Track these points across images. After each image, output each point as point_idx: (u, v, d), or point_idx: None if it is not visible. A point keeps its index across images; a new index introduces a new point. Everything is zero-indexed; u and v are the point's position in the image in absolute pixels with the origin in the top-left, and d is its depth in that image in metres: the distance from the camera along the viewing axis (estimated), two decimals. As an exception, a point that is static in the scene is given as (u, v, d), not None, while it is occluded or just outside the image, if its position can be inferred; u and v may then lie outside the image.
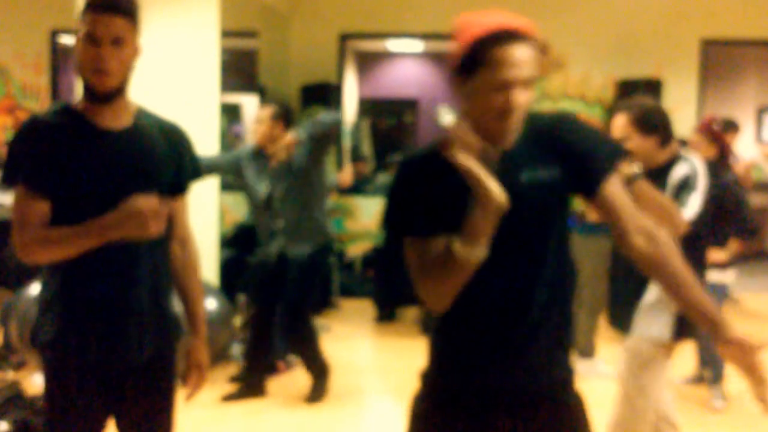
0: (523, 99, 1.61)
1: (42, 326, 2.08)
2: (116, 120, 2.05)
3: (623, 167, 2.72)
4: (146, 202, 1.91)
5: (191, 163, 2.22)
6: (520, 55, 1.60)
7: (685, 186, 2.79)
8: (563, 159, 1.70)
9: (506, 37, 1.60)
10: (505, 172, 1.64)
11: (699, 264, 4.28)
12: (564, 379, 1.80)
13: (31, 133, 2.00)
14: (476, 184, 1.56)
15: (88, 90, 1.99)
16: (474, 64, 1.61)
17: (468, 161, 1.55)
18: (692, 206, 2.76)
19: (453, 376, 1.77)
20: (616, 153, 1.79)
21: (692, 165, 2.84)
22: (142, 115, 2.12)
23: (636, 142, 2.80)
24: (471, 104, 1.65)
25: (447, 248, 1.61)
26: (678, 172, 2.82)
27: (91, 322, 2.05)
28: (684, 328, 2.86)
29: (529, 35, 1.63)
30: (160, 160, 2.10)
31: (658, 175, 2.83)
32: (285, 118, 4.35)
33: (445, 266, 1.62)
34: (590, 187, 1.72)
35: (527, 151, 1.69)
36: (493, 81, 1.59)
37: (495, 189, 1.55)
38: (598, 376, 4.62)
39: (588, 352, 4.99)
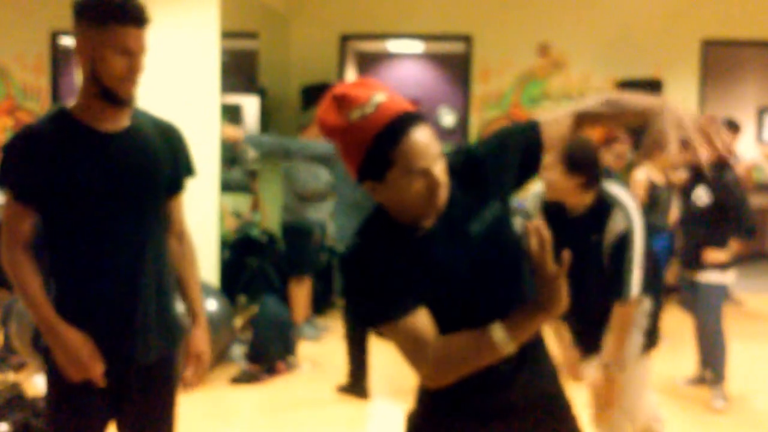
0: (441, 170, 1.55)
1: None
2: (115, 122, 2.06)
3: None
4: (93, 363, 2.00)
5: (186, 161, 2.25)
6: (423, 138, 1.51)
7: (623, 247, 2.63)
8: (502, 178, 1.70)
9: (400, 128, 1.50)
10: (453, 232, 1.63)
11: (697, 264, 4.32)
12: (554, 373, 1.82)
13: (24, 143, 2.01)
14: (552, 287, 1.49)
15: (109, 95, 2.01)
16: (380, 167, 1.52)
17: (551, 265, 1.48)
18: (635, 284, 2.65)
19: (456, 393, 1.71)
20: (528, 124, 1.78)
21: (627, 215, 2.67)
22: (137, 114, 2.13)
23: (557, 176, 2.66)
24: (392, 198, 1.57)
25: (484, 335, 1.54)
26: (616, 225, 2.65)
27: (96, 325, 2.05)
28: (653, 338, 2.88)
29: (411, 109, 1.54)
30: (158, 158, 2.12)
31: (585, 222, 2.70)
32: None
33: (474, 351, 1.56)
34: (537, 159, 1.75)
35: (462, 200, 1.64)
36: (409, 174, 1.51)
37: (565, 296, 1.50)
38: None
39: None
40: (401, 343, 1.60)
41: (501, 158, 1.72)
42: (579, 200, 2.71)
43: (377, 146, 1.50)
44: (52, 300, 2.06)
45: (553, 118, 1.80)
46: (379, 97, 1.52)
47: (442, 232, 1.62)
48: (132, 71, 1.99)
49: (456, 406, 1.73)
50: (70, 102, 2.08)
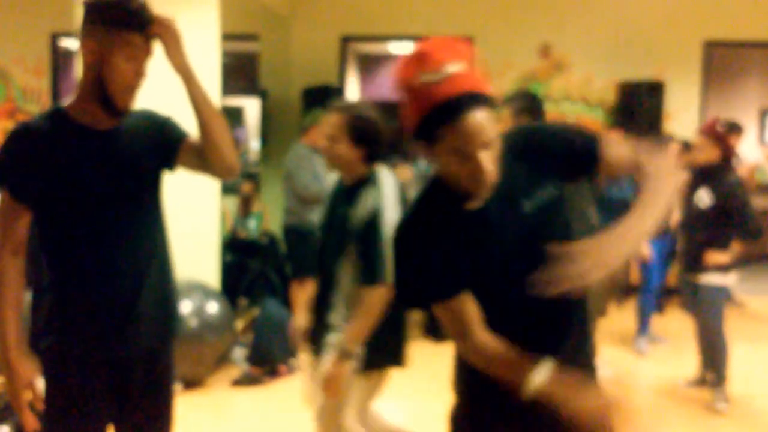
0: (489, 159, 1.53)
1: (43, 330, 2.08)
2: (110, 123, 2.06)
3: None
4: (25, 406, 2.04)
5: (174, 126, 2.24)
6: (476, 122, 1.49)
7: (371, 228, 2.59)
8: (554, 166, 1.69)
9: (456, 108, 1.49)
10: (505, 205, 1.63)
11: (698, 266, 4.31)
12: (589, 367, 1.82)
13: (18, 140, 2.01)
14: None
15: (108, 105, 2.01)
16: (430, 137, 1.53)
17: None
18: (383, 268, 2.56)
19: (495, 388, 1.69)
20: (591, 136, 1.76)
21: (378, 195, 2.65)
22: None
23: (343, 149, 2.64)
24: (442, 164, 1.59)
25: (525, 368, 1.56)
26: (366, 203, 2.63)
27: (96, 326, 2.06)
28: (376, 358, 2.70)
29: (481, 91, 1.52)
30: (144, 153, 2.13)
31: (346, 194, 2.71)
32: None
33: (507, 371, 1.60)
34: (591, 165, 1.73)
35: (517, 177, 1.64)
36: (452, 153, 1.52)
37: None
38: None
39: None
40: (448, 322, 1.67)
41: (561, 148, 1.72)
42: (356, 171, 2.70)
43: (431, 117, 1.51)
44: (52, 301, 2.06)
45: (618, 147, 1.76)
46: (453, 68, 1.51)
47: (495, 205, 1.63)
48: (137, 78, 2.01)
49: (496, 401, 1.71)
50: (66, 101, 2.08)
